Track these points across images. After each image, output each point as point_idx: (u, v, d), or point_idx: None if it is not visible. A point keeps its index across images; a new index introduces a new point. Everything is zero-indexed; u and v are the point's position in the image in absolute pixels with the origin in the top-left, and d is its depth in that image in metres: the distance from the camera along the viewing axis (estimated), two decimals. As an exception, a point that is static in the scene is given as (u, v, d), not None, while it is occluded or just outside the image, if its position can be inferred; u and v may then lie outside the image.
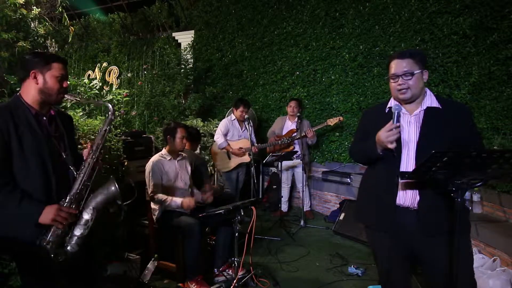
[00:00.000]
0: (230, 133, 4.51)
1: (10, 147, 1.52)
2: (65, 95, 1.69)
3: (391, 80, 1.70)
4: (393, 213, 1.66)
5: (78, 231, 1.60)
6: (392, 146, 1.60)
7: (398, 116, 1.62)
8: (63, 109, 2.48)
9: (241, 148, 4.42)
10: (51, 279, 1.61)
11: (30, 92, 1.61)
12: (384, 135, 1.60)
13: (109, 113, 1.78)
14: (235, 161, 4.47)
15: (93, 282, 1.84)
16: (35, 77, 1.59)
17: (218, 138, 4.43)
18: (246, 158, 4.42)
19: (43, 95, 1.61)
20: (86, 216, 1.62)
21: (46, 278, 1.60)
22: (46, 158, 1.58)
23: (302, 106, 4.91)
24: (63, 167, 1.67)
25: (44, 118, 1.66)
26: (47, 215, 1.51)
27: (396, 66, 1.68)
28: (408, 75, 1.64)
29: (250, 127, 4.45)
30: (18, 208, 1.49)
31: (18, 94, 1.64)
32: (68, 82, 1.71)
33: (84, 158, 1.71)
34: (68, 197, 1.60)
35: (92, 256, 1.85)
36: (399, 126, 1.61)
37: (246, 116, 4.39)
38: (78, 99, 1.82)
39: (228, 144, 4.45)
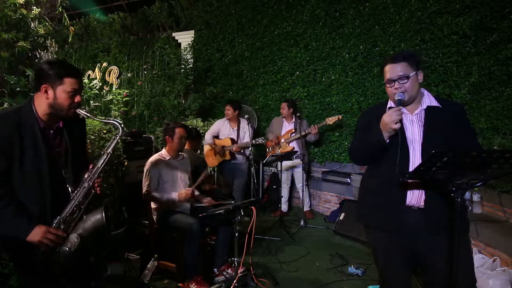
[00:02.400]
0: (221, 132, 4.82)
1: (12, 158, 1.50)
2: (77, 110, 1.62)
3: (387, 85, 1.70)
4: (400, 213, 1.66)
5: (62, 252, 1.57)
6: (396, 126, 1.59)
7: (400, 102, 1.63)
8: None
9: (222, 146, 4.66)
10: (50, 281, 1.61)
11: (41, 104, 1.58)
12: (388, 117, 1.61)
13: (117, 134, 1.68)
14: (218, 158, 4.70)
15: (91, 281, 1.84)
16: (46, 92, 1.56)
17: (206, 135, 4.80)
18: (226, 156, 4.66)
19: (53, 109, 1.58)
20: (71, 240, 1.58)
21: (44, 280, 1.60)
22: (45, 175, 1.56)
23: (295, 106, 4.90)
24: (62, 184, 1.63)
25: (51, 131, 1.63)
26: (35, 235, 1.50)
27: (391, 70, 1.68)
28: (403, 79, 1.64)
29: (249, 128, 4.49)
30: (10, 223, 1.49)
31: (31, 101, 1.60)
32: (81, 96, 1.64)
33: (84, 178, 1.65)
34: (57, 218, 1.58)
35: (89, 255, 1.83)
36: (400, 109, 1.62)
37: (229, 116, 4.70)
38: (88, 115, 1.67)
39: (213, 142, 4.74)
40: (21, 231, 1.50)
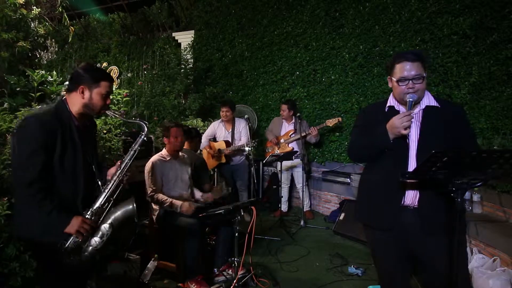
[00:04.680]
0: (217, 134, 4.76)
1: (54, 152, 1.60)
2: (106, 111, 1.77)
3: (400, 83, 1.65)
4: (398, 212, 1.66)
5: (93, 243, 1.66)
6: (406, 132, 1.59)
7: (411, 104, 1.62)
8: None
9: (218, 149, 4.63)
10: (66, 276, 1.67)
11: (75, 104, 1.70)
12: (398, 121, 1.59)
13: (143, 132, 1.82)
14: (215, 162, 4.69)
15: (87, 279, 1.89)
16: (82, 92, 1.68)
17: (202, 139, 4.68)
18: (222, 159, 4.64)
19: (87, 109, 1.70)
20: (103, 230, 1.68)
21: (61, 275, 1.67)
22: (79, 169, 1.68)
23: (295, 107, 4.88)
24: (92, 178, 1.75)
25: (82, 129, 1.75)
26: (72, 226, 1.59)
27: (406, 69, 1.62)
28: (419, 79, 1.61)
29: (245, 128, 4.50)
30: (47, 217, 1.56)
31: (63, 100, 1.71)
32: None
33: (110, 175, 1.78)
34: (90, 210, 1.68)
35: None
36: (411, 114, 1.61)
37: (228, 117, 4.58)
38: (117, 115, 1.88)
39: (208, 145, 4.67)
40: (60, 223, 1.58)
